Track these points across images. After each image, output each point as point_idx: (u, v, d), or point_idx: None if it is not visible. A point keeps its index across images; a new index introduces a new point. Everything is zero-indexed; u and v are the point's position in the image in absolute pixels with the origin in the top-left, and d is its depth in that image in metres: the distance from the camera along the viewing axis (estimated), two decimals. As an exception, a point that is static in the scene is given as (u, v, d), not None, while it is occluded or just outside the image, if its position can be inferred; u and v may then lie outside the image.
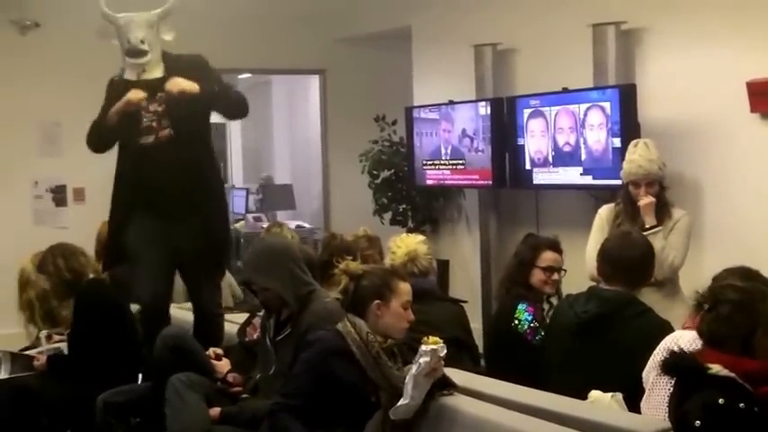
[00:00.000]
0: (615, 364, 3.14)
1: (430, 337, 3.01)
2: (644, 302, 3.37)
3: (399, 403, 2.94)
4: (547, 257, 4.01)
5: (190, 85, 3.92)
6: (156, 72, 4.03)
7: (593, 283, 4.24)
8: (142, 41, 3.97)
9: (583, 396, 3.02)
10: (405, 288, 3.19)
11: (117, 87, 4.08)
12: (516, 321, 3.84)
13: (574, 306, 3.40)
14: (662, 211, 4.14)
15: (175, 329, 3.89)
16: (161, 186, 4.01)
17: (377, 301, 3.14)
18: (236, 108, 4.23)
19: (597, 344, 3.24)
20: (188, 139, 4.05)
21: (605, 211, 4.31)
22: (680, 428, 2.46)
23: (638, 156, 4.18)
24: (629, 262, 3.40)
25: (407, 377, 2.95)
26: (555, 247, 4.07)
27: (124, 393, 3.95)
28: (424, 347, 2.93)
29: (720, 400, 2.38)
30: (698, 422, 2.36)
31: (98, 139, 4.14)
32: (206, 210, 4.16)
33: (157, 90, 3.98)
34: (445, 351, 2.98)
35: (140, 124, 3.99)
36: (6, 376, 4.49)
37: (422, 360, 2.92)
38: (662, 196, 4.18)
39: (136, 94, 3.94)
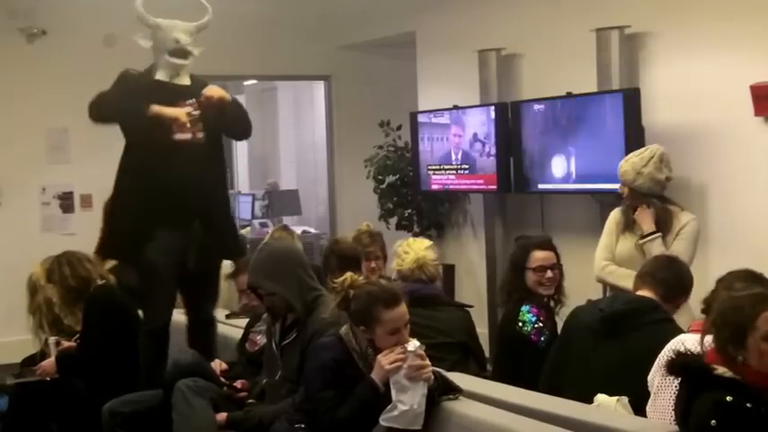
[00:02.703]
0: (629, 367, 3.10)
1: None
2: (669, 313, 3.34)
3: (388, 408, 2.94)
4: (536, 257, 3.91)
5: (227, 95, 4.06)
6: (185, 80, 4.12)
7: (600, 285, 4.27)
8: (188, 44, 4.07)
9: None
10: (390, 316, 3.05)
11: (137, 81, 4.10)
12: (521, 323, 3.80)
13: (598, 304, 3.39)
14: (664, 216, 4.12)
15: (189, 358, 3.84)
16: (193, 183, 4.02)
17: (362, 327, 3.12)
18: (247, 126, 4.31)
19: (616, 342, 3.20)
20: (215, 146, 4.15)
21: (614, 215, 4.31)
22: (696, 430, 2.46)
23: (630, 160, 4.20)
24: (667, 275, 3.39)
25: (390, 382, 2.95)
26: (543, 245, 3.99)
27: (130, 403, 3.92)
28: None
29: (728, 398, 2.39)
30: (713, 422, 2.37)
31: (111, 112, 4.08)
32: (223, 217, 4.23)
33: (186, 95, 4.05)
34: (417, 345, 2.98)
35: (166, 123, 4.00)
36: (14, 381, 4.53)
37: None
38: (655, 203, 4.13)
39: (183, 117, 3.97)
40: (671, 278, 3.39)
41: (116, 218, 4.19)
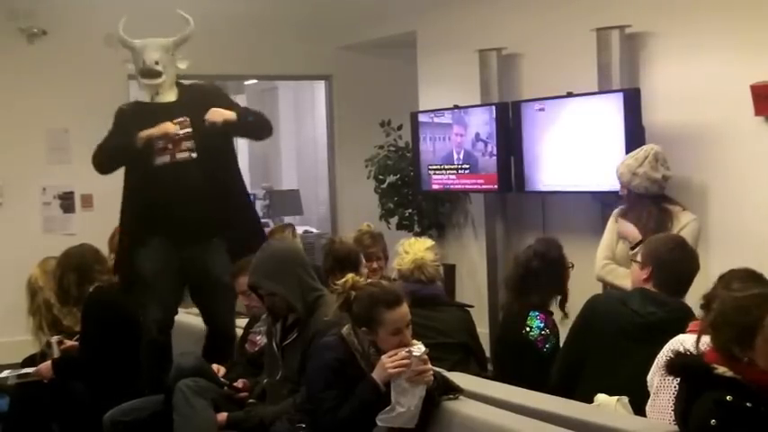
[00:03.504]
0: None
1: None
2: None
3: (386, 409, 2.94)
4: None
5: (230, 114, 4.06)
6: (170, 96, 4.12)
7: (600, 283, 4.26)
8: (156, 63, 4.05)
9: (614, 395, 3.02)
10: (392, 317, 3.05)
11: (127, 112, 4.15)
12: (528, 329, 3.78)
13: (627, 302, 3.31)
14: (662, 217, 4.09)
15: (192, 361, 3.84)
16: (177, 206, 4.04)
17: (364, 329, 3.13)
18: (265, 130, 4.35)
19: (651, 346, 3.10)
20: (212, 160, 4.14)
21: (617, 214, 4.30)
22: (696, 430, 2.46)
23: (625, 162, 4.19)
24: (687, 276, 3.36)
25: (392, 384, 2.96)
26: None
27: (132, 411, 3.91)
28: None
29: (728, 398, 2.39)
30: (713, 421, 2.37)
31: (109, 161, 4.16)
32: (230, 228, 4.22)
33: (173, 113, 4.05)
34: (422, 350, 2.98)
35: (153, 147, 4.03)
36: (16, 382, 4.53)
37: None
38: (652, 204, 4.12)
39: (172, 128, 4.00)
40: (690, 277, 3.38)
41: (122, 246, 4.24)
